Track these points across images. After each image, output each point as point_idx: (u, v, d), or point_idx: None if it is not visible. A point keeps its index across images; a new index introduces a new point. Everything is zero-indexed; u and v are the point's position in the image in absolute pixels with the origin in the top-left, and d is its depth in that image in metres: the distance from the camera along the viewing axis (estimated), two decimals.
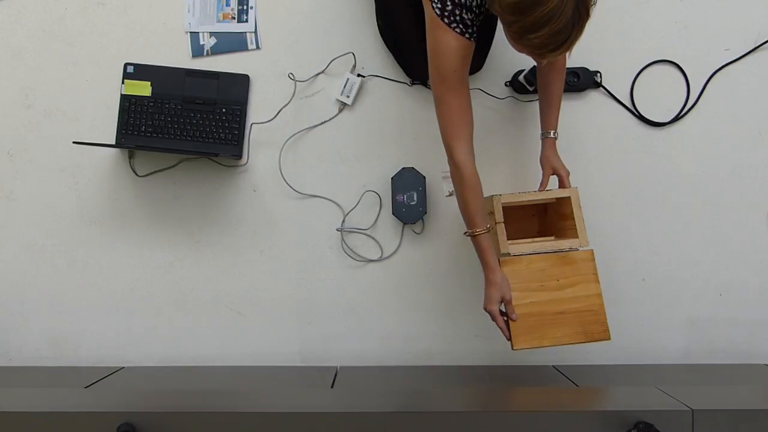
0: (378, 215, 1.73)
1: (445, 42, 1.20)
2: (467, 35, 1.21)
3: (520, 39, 1.10)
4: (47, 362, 1.75)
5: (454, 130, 1.30)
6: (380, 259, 1.73)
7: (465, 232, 1.39)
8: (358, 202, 1.73)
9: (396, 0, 1.51)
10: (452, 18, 1.18)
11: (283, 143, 1.72)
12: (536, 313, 1.42)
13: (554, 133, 1.51)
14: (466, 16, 1.19)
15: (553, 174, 1.52)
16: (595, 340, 1.41)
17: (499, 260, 1.41)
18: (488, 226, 1.37)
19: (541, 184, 1.52)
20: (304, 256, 1.73)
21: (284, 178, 1.72)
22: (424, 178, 1.67)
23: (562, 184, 1.50)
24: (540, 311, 1.42)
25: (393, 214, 1.68)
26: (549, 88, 1.48)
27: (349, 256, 1.73)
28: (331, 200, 1.73)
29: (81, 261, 1.74)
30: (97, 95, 1.73)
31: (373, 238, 1.73)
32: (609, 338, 1.41)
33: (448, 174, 1.71)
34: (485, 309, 1.40)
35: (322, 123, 1.72)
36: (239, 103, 1.70)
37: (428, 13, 1.21)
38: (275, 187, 1.73)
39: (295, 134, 1.72)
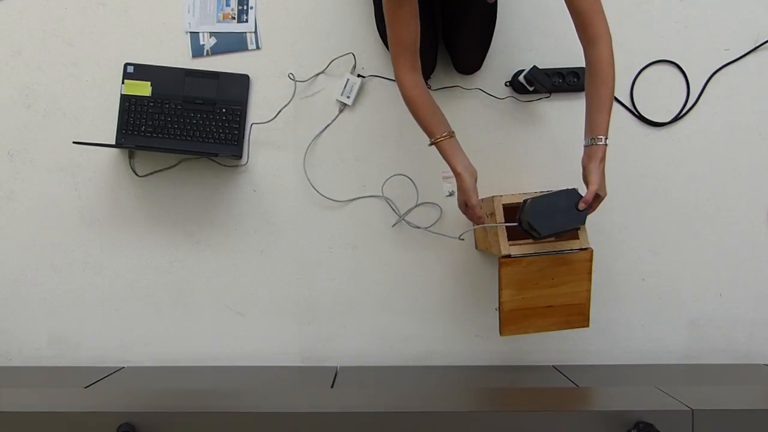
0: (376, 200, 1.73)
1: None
2: None
3: None
4: (47, 362, 1.75)
5: (394, 52, 1.35)
6: (395, 223, 1.73)
7: (429, 143, 1.41)
8: (356, 199, 1.73)
9: None
10: None
11: (284, 142, 1.72)
12: (526, 308, 1.46)
13: (605, 140, 1.29)
14: None
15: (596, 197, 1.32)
16: (575, 328, 1.48)
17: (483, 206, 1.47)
18: (444, 134, 1.38)
19: (584, 200, 1.32)
20: (304, 256, 1.73)
21: (284, 179, 1.72)
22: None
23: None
24: (530, 306, 1.46)
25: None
26: (597, 91, 1.31)
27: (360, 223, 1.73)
28: (331, 200, 1.73)
29: (81, 261, 1.74)
30: (97, 95, 1.73)
31: (389, 203, 1.73)
32: (588, 326, 1.48)
33: (449, 174, 1.72)
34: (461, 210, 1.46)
35: (324, 128, 1.72)
36: (239, 103, 1.70)
37: None
38: (275, 187, 1.73)
39: (300, 139, 1.72)
